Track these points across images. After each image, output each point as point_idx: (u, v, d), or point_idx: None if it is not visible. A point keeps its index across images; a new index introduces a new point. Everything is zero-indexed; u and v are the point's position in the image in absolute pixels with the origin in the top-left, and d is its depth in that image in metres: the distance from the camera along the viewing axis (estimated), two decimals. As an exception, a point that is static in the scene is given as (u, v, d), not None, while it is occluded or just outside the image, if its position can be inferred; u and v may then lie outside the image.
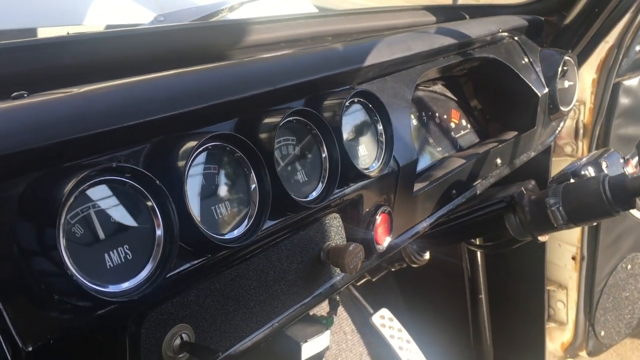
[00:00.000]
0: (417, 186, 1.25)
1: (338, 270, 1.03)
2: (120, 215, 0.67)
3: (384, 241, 1.10)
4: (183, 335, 0.77)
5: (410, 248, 1.59)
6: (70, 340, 0.63)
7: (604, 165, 1.41)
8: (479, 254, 2.20)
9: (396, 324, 2.17)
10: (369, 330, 2.43)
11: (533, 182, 1.48)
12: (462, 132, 1.64)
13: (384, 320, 2.17)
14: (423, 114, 1.52)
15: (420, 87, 1.55)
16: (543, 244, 2.17)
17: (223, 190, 0.79)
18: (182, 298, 0.77)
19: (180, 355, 0.77)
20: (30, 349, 0.59)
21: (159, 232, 0.69)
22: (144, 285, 0.67)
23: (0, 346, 0.58)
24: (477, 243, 1.81)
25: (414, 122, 1.47)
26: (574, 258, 2.35)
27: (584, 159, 1.43)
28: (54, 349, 0.62)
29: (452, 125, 1.62)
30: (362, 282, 1.69)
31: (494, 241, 1.66)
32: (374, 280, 1.69)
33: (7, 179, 0.63)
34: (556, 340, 2.51)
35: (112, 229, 0.66)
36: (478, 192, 1.45)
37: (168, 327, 0.76)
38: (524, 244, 2.17)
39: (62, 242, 0.61)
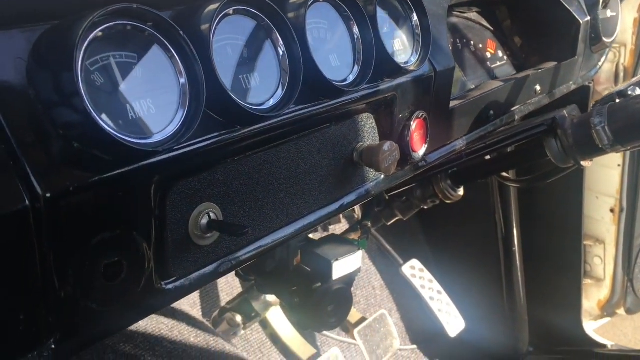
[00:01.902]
0: (454, 103, 1.19)
1: (372, 173, 0.98)
2: (143, 67, 0.63)
3: (420, 149, 1.05)
4: (211, 214, 0.73)
5: (444, 183, 1.53)
6: (92, 193, 0.59)
7: (652, 85, 1.32)
8: (513, 202, 2.12)
9: (427, 274, 2.11)
10: (398, 283, 2.37)
11: (576, 108, 1.40)
12: (499, 63, 1.56)
13: (415, 270, 2.11)
14: (457, 40, 1.46)
15: (455, 13, 1.48)
16: (580, 196, 2.09)
17: (252, 61, 0.74)
18: (209, 175, 0.73)
19: (208, 235, 0.73)
20: (49, 195, 0.56)
21: (183, 80, 0.64)
22: (170, 141, 0.63)
23: (18, 190, 0.55)
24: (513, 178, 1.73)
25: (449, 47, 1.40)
26: (612, 210, 2.25)
27: (631, 80, 1.34)
28: (74, 199, 0.58)
29: (488, 55, 1.54)
30: (393, 221, 1.63)
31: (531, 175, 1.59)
32: (405, 219, 1.63)
33: (22, 24, 0.59)
34: (592, 297, 2.42)
35: (134, 80, 0.62)
36: (516, 117, 1.38)
37: (195, 203, 0.72)
38: (560, 193, 2.10)
39: (82, 85, 0.57)
